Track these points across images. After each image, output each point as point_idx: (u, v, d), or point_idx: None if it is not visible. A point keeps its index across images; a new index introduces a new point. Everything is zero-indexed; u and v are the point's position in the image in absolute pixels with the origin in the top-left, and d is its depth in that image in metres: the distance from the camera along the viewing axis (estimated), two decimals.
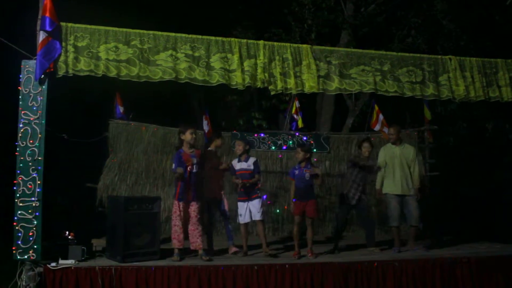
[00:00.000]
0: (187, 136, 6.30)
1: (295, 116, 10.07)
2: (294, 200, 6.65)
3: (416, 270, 6.17)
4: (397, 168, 7.12)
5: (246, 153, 6.79)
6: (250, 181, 6.59)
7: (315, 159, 9.63)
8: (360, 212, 7.39)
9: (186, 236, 6.28)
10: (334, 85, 6.41)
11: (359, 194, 7.19)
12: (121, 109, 9.31)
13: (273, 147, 9.56)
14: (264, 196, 6.83)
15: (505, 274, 6.39)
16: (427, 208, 8.86)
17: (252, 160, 6.75)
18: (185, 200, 6.20)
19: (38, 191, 5.45)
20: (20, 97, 5.53)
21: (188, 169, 6.21)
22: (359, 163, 7.17)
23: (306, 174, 6.59)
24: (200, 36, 6.08)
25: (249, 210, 6.63)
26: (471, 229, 9.28)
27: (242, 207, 6.68)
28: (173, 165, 6.29)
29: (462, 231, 8.99)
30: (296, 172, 6.65)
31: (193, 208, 6.27)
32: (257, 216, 6.61)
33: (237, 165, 6.72)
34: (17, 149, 5.47)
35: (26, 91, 5.54)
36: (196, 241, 6.24)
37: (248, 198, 6.64)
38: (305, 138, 9.76)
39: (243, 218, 6.66)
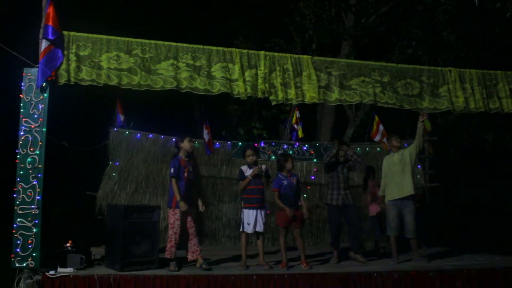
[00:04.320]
0: (185, 144, 6.38)
1: (295, 126, 10.08)
2: (278, 211, 6.63)
3: (415, 281, 6.15)
4: (396, 174, 7.16)
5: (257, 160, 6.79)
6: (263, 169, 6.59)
7: (315, 169, 9.63)
8: (347, 215, 7.33)
9: (180, 246, 6.28)
10: (334, 96, 6.45)
11: (344, 193, 7.17)
12: (121, 117, 9.32)
13: (273, 157, 9.55)
14: (264, 205, 6.79)
15: (506, 286, 6.36)
16: (427, 219, 8.87)
17: (263, 166, 6.72)
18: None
19: (37, 199, 5.46)
20: (21, 104, 5.57)
21: (186, 175, 6.24)
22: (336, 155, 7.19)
23: (294, 183, 6.62)
24: (201, 46, 6.12)
25: (256, 220, 6.48)
26: (471, 240, 9.25)
27: (251, 215, 6.48)
28: (171, 169, 6.28)
29: (462, 242, 8.97)
30: (285, 182, 6.61)
31: (191, 216, 6.30)
32: (261, 228, 6.52)
33: (248, 171, 6.61)
34: (18, 156, 5.49)
35: (27, 98, 5.57)
36: (197, 250, 6.25)
37: (259, 205, 6.53)
38: (305, 148, 9.77)
39: (250, 228, 6.47)
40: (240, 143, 9.58)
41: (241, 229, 6.61)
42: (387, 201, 7.23)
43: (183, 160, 6.37)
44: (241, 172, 6.69)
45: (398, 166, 7.18)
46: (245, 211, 6.54)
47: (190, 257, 6.28)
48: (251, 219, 6.47)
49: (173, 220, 6.22)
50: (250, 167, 6.65)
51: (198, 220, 6.46)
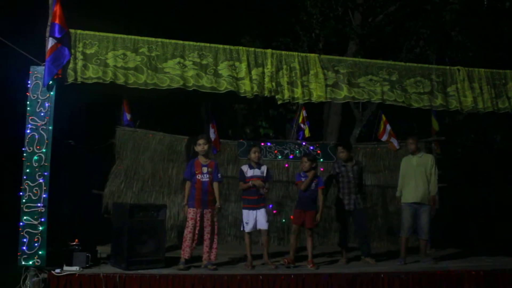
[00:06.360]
0: (197, 147, 6.38)
1: (302, 125, 10.05)
2: (295, 209, 6.65)
3: (423, 282, 6.10)
4: (413, 177, 7.11)
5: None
6: (265, 187, 6.51)
7: (321, 169, 9.58)
8: (356, 219, 7.29)
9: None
10: (342, 93, 6.40)
11: (355, 197, 7.14)
12: (128, 116, 9.33)
13: (280, 156, 9.53)
14: (270, 206, 6.74)
15: None
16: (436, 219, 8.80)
17: (264, 167, 6.68)
18: (194, 207, 6.19)
19: (44, 197, 5.45)
20: (27, 102, 5.56)
21: (198, 177, 6.23)
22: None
23: (313, 184, 6.60)
24: (208, 44, 6.09)
25: (256, 219, 6.50)
26: (479, 241, 9.18)
27: (249, 215, 6.50)
28: (184, 172, 6.37)
29: (470, 243, 8.90)
30: (303, 180, 6.63)
31: (207, 216, 6.27)
32: (264, 225, 6.51)
33: (249, 171, 6.58)
34: (24, 154, 5.48)
35: (34, 97, 5.56)
36: (206, 252, 6.24)
37: (257, 206, 6.52)
38: (311, 147, 9.73)
39: (250, 227, 6.49)
40: (246, 142, 9.55)
41: (241, 229, 6.64)
42: (402, 202, 7.17)
43: (198, 162, 6.33)
44: (241, 172, 6.68)
45: (416, 169, 7.12)
46: (244, 211, 6.56)
47: (204, 257, 6.27)
48: (250, 219, 6.48)
49: (187, 220, 6.21)
50: (250, 167, 6.62)
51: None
